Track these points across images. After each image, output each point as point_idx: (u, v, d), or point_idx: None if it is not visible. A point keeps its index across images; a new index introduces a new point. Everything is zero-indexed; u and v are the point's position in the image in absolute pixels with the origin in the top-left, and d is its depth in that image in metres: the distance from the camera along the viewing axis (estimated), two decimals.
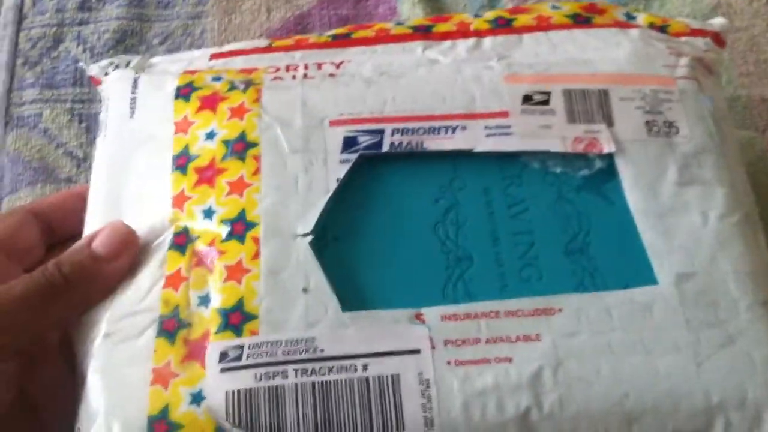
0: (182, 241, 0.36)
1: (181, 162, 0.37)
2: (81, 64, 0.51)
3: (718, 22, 0.43)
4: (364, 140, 0.37)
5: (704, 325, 0.33)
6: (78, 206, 0.39)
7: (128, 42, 0.54)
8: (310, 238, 0.35)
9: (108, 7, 0.56)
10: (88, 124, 0.49)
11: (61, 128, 0.50)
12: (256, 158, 0.37)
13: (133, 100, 0.40)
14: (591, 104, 0.38)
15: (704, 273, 0.34)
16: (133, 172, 0.38)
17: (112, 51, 0.53)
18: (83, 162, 0.49)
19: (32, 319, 0.35)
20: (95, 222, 0.38)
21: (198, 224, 0.36)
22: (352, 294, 0.34)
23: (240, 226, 0.35)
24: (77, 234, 0.38)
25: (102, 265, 0.35)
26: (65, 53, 0.53)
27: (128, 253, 0.36)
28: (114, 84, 0.41)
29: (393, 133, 0.37)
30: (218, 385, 0.32)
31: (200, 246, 0.35)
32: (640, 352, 0.32)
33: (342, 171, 0.36)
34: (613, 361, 0.32)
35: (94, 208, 0.38)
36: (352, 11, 0.56)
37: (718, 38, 0.42)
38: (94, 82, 0.42)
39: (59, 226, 0.40)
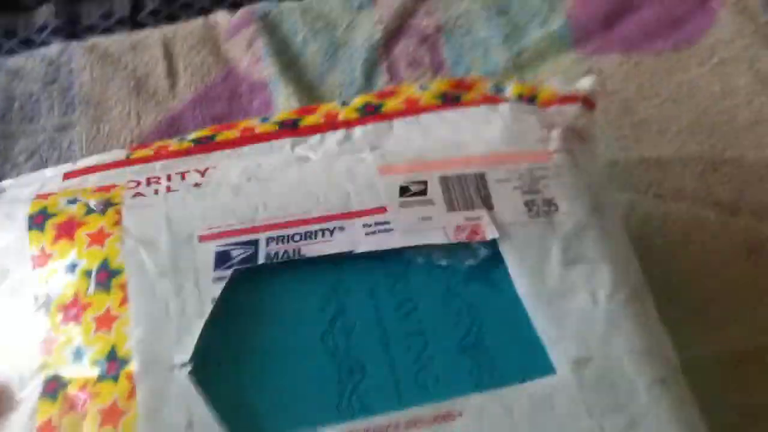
0: (52, 388, 0.33)
1: (43, 301, 0.34)
2: None
3: (586, 83, 0.42)
4: (238, 254, 0.35)
5: (606, 410, 0.32)
6: None
7: None
8: (189, 367, 0.32)
9: None
10: None
11: None
12: (122, 287, 0.34)
13: None
14: (469, 190, 0.37)
15: (600, 356, 0.33)
16: None
17: None
18: None
19: None
20: None
21: (68, 368, 0.33)
22: (242, 424, 0.32)
23: (112, 365, 0.32)
24: None
25: None
26: None
27: None
28: None
29: (268, 242, 0.35)
30: None
31: (72, 391, 0.32)
32: None
33: (217, 290, 0.34)
34: None
35: None
36: (226, 109, 0.54)
37: (587, 101, 0.42)
38: None
39: None
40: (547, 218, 0.36)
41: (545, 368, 0.33)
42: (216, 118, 0.53)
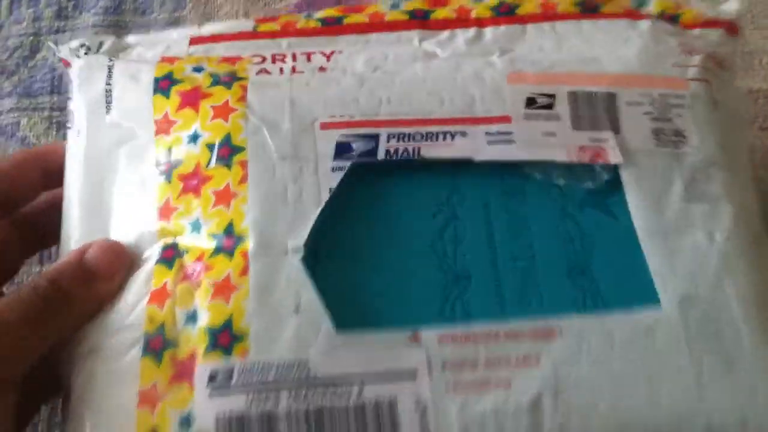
0: (170, 255, 0.34)
1: (165, 168, 0.35)
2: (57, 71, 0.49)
3: (732, 8, 0.40)
4: (358, 146, 0.35)
5: (707, 351, 0.32)
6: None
7: None
8: (301, 253, 0.33)
9: (84, 15, 0.53)
10: (66, 132, 0.46)
11: (39, 136, 0.49)
12: (243, 165, 0.34)
13: (108, 93, 0.37)
14: (597, 109, 0.36)
15: (708, 297, 0.33)
16: (113, 176, 0.36)
17: None
18: None
19: (31, 345, 0.33)
20: (74, 227, 0.35)
21: (186, 238, 0.34)
22: (346, 313, 0.33)
23: (228, 241, 0.33)
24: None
25: (98, 282, 0.34)
26: (42, 62, 0.52)
27: (122, 274, 0.34)
28: (86, 71, 0.38)
29: (389, 138, 0.35)
30: (208, 409, 0.31)
31: (188, 261, 0.34)
32: (641, 379, 0.32)
33: (334, 180, 0.34)
34: (613, 389, 0.32)
35: (72, 211, 0.36)
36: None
37: (732, 28, 0.39)
38: (64, 63, 0.39)
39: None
40: (674, 149, 0.35)
41: (651, 301, 0.33)
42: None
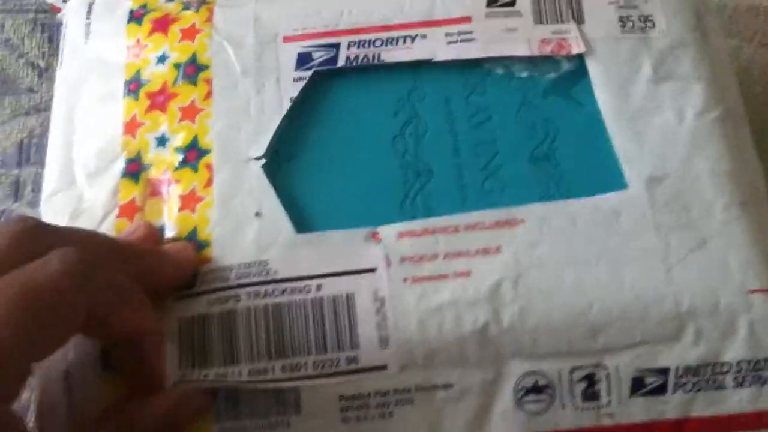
0: (135, 169, 0.35)
1: (133, 87, 0.36)
2: None
3: None
4: (319, 56, 0.35)
5: (675, 228, 0.31)
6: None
7: None
8: (262, 161, 0.34)
9: None
10: (50, 34, 0.48)
11: (23, 38, 0.49)
12: (208, 81, 0.35)
13: (87, 26, 0.38)
14: (560, 2, 0.35)
15: (678, 175, 0.31)
16: (85, 97, 0.37)
17: None
18: (45, 72, 0.48)
19: None
20: (55, 153, 0.37)
21: (151, 152, 0.35)
22: (307, 215, 0.33)
23: (193, 154, 0.34)
24: None
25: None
26: None
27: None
28: (70, 11, 0.40)
29: (349, 46, 0.35)
30: (172, 313, 0.31)
31: (153, 174, 0.34)
32: (605, 260, 0.30)
33: (296, 89, 0.35)
34: (576, 270, 0.30)
35: (54, 138, 0.37)
36: None
37: None
38: (53, 10, 0.41)
39: None
40: (641, 34, 0.34)
41: (618, 185, 0.32)
42: None
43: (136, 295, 0.29)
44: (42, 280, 0.25)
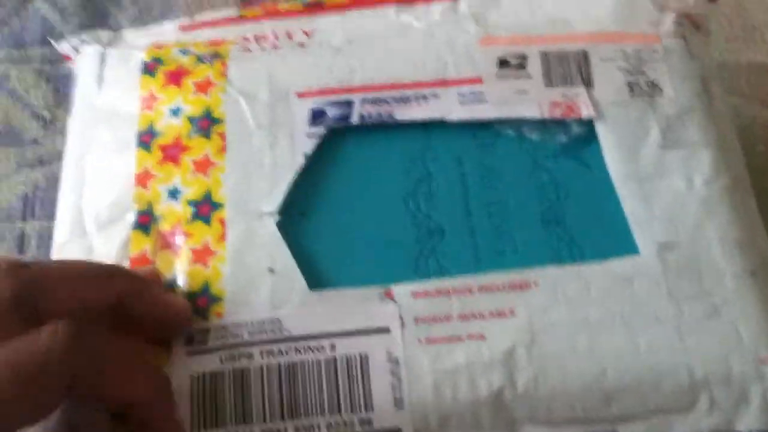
0: (146, 221, 0.35)
1: (146, 139, 0.36)
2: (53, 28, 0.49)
3: None
4: (333, 112, 0.35)
5: (688, 296, 0.31)
6: None
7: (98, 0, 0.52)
8: (276, 216, 0.34)
9: None
10: (56, 85, 0.47)
11: (28, 89, 0.48)
12: (222, 135, 0.35)
13: (100, 76, 0.38)
14: (570, 66, 0.36)
15: (688, 242, 0.32)
16: (96, 147, 0.37)
17: (82, 10, 0.50)
18: (50, 124, 0.47)
19: None
20: (66, 202, 0.36)
21: (162, 204, 0.35)
22: (320, 272, 0.33)
23: (206, 208, 0.34)
24: None
25: None
26: (34, 12, 0.51)
27: None
28: (83, 60, 0.40)
29: (362, 103, 0.35)
30: (184, 369, 0.31)
31: (165, 227, 0.34)
32: (619, 326, 0.31)
33: (309, 145, 0.35)
34: (590, 336, 0.31)
35: (65, 187, 0.37)
36: None
37: None
38: (65, 59, 0.41)
39: None
40: (649, 99, 0.35)
41: (629, 249, 0.32)
42: None
43: (128, 362, 0.29)
44: (26, 357, 0.26)
